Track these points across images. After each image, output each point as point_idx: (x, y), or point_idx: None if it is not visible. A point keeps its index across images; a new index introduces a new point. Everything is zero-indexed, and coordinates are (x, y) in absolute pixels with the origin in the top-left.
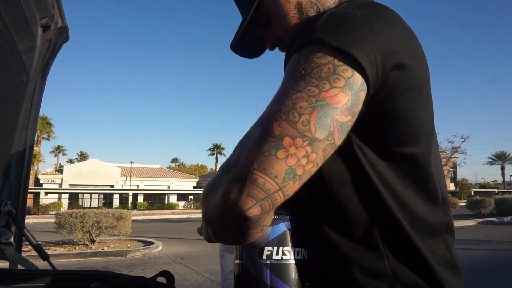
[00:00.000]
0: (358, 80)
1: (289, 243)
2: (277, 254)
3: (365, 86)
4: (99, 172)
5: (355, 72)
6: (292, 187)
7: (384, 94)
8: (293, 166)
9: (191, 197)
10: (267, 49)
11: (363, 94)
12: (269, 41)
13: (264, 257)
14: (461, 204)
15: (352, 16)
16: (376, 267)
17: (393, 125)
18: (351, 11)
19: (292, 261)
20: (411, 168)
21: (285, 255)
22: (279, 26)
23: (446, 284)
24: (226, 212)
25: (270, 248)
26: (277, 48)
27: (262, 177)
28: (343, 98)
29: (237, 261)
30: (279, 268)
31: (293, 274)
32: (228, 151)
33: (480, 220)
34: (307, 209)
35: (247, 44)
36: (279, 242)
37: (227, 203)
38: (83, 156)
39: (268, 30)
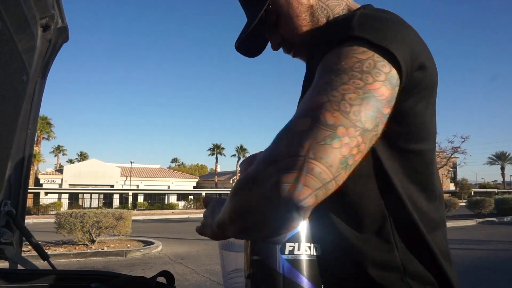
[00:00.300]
0: (395, 75)
1: (309, 238)
2: (298, 249)
3: (399, 82)
4: (99, 172)
5: (392, 68)
6: (343, 177)
7: (405, 92)
8: (346, 156)
9: (191, 197)
10: (263, 50)
11: (397, 89)
12: (274, 41)
13: (287, 252)
14: (461, 204)
15: (383, 17)
16: (387, 260)
17: (407, 121)
18: (379, 14)
19: (313, 257)
20: (418, 164)
21: (306, 251)
22: (288, 27)
23: (450, 276)
24: (278, 202)
25: (292, 244)
26: (278, 48)
27: (318, 166)
28: (385, 91)
29: (255, 258)
30: (301, 264)
31: (314, 269)
32: (228, 151)
33: (480, 220)
34: (322, 203)
35: (248, 43)
36: (299, 237)
37: (281, 193)
38: (83, 156)
39: (275, 30)
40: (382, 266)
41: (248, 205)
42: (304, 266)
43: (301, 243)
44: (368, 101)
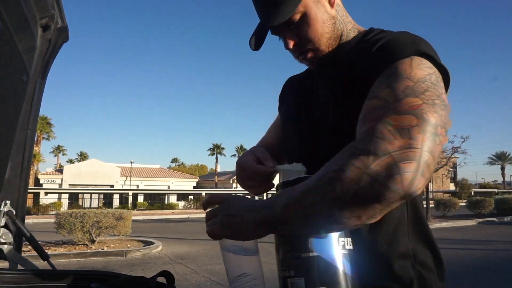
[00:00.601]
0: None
1: (349, 233)
2: (347, 244)
3: None
4: (99, 172)
5: (443, 84)
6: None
7: None
8: (440, 151)
9: (191, 197)
10: (262, 45)
11: None
12: (289, 40)
13: (341, 247)
14: (461, 204)
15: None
16: (405, 251)
17: None
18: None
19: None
20: None
21: (350, 245)
22: (310, 30)
23: (442, 259)
24: (396, 191)
25: (343, 238)
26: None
27: (430, 159)
28: (448, 101)
29: (309, 254)
30: (353, 258)
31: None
32: (228, 151)
33: (480, 220)
34: None
35: (257, 38)
36: (345, 232)
37: (403, 182)
38: (83, 156)
39: (294, 30)
40: (402, 256)
41: (350, 196)
42: (354, 260)
43: (347, 238)
44: (447, 108)
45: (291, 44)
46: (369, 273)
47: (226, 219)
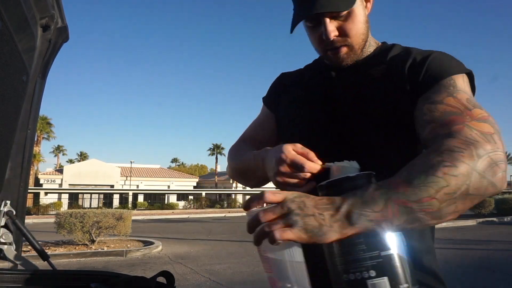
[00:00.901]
0: None
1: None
2: (404, 241)
3: None
4: (99, 172)
5: None
6: None
7: None
8: None
9: (191, 197)
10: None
11: None
12: (331, 32)
13: (405, 243)
14: None
15: None
16: (428, 246)
17: None
18: None
19: None
20: None
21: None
22: (354, 26)
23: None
24: (496, 187)
25: (403, 237)
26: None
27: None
28: None
29: (388, 253)
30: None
31: None
32: (228, 151)
33: (480, 220)
34: None
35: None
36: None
37: (502, 179)
38: (83, 156)
39: (337, 22)
40: (427, 251)
41: (462, 191)
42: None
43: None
44: None
45: (332, 34)
46: None
47: (302, 220)
